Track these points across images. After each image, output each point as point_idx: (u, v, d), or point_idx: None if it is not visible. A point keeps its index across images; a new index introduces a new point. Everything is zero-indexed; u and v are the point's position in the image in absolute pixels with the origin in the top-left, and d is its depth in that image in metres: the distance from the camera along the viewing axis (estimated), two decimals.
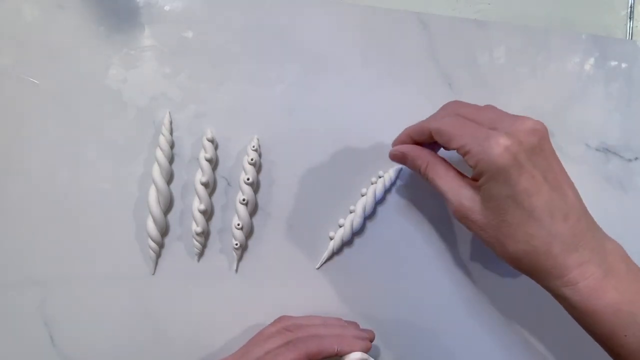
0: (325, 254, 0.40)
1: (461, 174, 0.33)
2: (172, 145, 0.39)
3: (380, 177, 0.40)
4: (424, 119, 0.36)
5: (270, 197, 0.40)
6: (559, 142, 0.43)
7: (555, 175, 0.30)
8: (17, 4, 0.39)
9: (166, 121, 0.39)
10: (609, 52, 0.45)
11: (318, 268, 0.40)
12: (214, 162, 0.39)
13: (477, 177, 0.31)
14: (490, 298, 0.41)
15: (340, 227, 0.40)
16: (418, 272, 0.40)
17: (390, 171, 0.41)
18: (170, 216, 0.39)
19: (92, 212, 0.38)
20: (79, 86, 0.39)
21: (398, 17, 0.42)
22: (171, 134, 0.39)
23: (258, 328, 0.36)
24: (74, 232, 0.38)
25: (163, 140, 0.38)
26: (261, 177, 0.40)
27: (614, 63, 0.45)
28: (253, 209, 0.39)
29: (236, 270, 0.39)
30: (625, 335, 0.28)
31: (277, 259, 0.39)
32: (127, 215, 0.38)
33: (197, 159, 0.39)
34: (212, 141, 0.39)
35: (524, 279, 0.32)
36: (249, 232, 0.39)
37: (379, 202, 0.40)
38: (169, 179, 0.39)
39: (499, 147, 0.29)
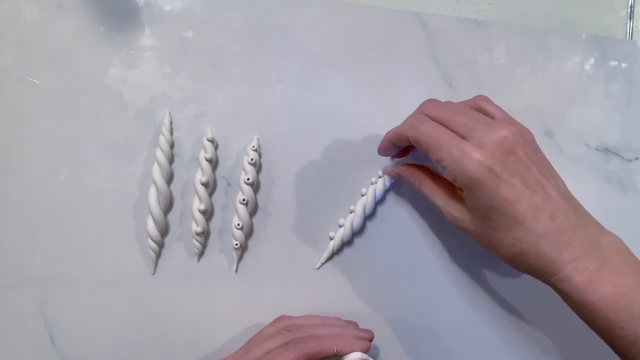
0: (325, 254, 0.40)
1: (452, 186, 0.35)
2: (172, 145, 0.39)
3: (380, 177, 0.40)
4: (401, 122, 0.36)
5: (270, 197, 0.40)
6: (559, 142, 0.43)
7: (535, 177, 0.31)
8: (17, 4, 0.39)
9: (166, 121, 0.39)
10: (609, 52, 0.45)
11: (318, 268, 0.40)
12: (214, 162, 0.39)
13: (459, 189, 0.32)
14: (491, 298, 0.41)
15: (340, 227, 0.40)
16: (418, 272, 0.41)
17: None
18: (170, 216, 0.39)
19: (92, 212, 0.38)
20: (79, 86, 0.39)
21: (398, 17, 0.42)
22: (171, 134, 0.39)
23: (258, 328, 0.36)
24: (74, 232, 0.38)
25: (163, 140, 0.38)
26: (261, 177, 0.40)
27: (614, 63, 0.45)
28: (253, 209, 0.39)
29: (236, 270, 0.39)
30: (623, 328, 0.29)
31: (277, 259, 0.39)
32: (127, 215, 0.38)
33: (197, 159, 0.39)
34: (212, 141, 0.39)
35: (524, 278, 0.33)
36: (249, 232, 0.39)
37: (379, 202, 0.40)
38: (169, 179, 0.39)
39: (472, 162, 0.30)
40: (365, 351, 0.34)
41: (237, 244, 0.38)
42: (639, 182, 0.44)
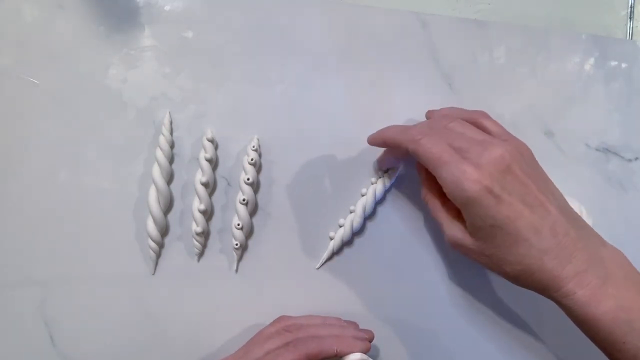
0: (325, 254, 0.40)
1: (455, 208, 0.34)
2: (172, 145, 0.39)
3: (380, 177, 0.40)
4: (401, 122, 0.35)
5: (270, 197, 0.40)
6: (559, 142, 0.43)
7: (533, 195, 0.31)
8: (17, 4, 0.39)
9: (166, 121, 0.39)
10: (609, 52, 0.45)
11: (318, 268, 0.40)
12: (214, 162, 0.39)
13: (460, 209, 0.32)
14: (491, 298, 0.41)
15: (340, 227, 0.40)
16: (418, 272, 0.41)
17: (390, 171, 0.41)
18: (170, 216, 0.39)
19: (92, 212, 0.38)
20: (79, 86, 0.39)
21: (398, 17, 0.42)
22: (171, 134, 0.39)
23: (258, 328, 0.36)
24: (74, 232, 0.38)
25: (163, 140, 0.38)
26: (261, 177, 0.40)
27: (614, 63, 0.45)
28: (253, 209, 0.39)
29: (236, 270, 0.39)
30: (624, 342, 0.29)
31: (277, 259, 0.39)
32: (127, 215, 0.38)
33: (197, 159, 0.39)
34: (212, 141, 0.39)
35: None
36: (249, 232, 0.39)
37: (379, 202, 0.40)
38: (169, 179, 0.39)
39: (471, 183, 0.30)
40: (366, 351, 0.34)
41: (237, 244, 0.38)
42: (639, 182, 0.44)
